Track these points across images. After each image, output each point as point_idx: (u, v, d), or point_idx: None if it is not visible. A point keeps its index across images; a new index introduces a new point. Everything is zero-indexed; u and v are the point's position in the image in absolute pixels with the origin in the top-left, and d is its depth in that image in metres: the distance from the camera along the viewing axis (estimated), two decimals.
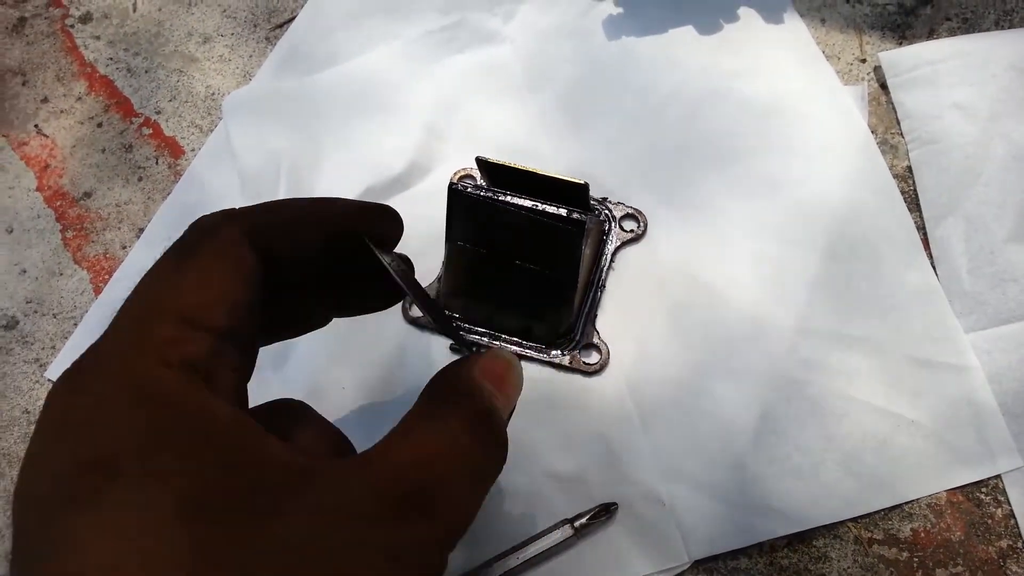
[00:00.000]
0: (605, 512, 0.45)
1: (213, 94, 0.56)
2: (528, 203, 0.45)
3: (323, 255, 0.31)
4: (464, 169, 0.53)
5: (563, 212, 0.44)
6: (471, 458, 0.28)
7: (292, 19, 0.58)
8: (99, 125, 0.56)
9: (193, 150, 0.55)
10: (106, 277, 0.52)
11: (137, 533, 0.21)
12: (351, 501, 0.24)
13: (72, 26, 0.59)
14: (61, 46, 0.59)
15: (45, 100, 0.57)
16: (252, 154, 0.52)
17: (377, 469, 0.26)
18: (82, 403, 0.24)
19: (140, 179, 0.54)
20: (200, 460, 0.23)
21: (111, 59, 0.58)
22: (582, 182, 0.45)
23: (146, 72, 0.57)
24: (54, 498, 0.22)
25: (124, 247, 0.53)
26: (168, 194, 0.54)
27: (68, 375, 0.25)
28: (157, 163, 0.55)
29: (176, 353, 0.25)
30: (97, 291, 0.52)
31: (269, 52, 0.57)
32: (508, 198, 0.45)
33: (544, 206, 0.45)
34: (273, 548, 0.22)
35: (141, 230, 0.53)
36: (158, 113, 0.56)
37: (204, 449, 0.23)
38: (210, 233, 0.28)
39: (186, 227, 0.29)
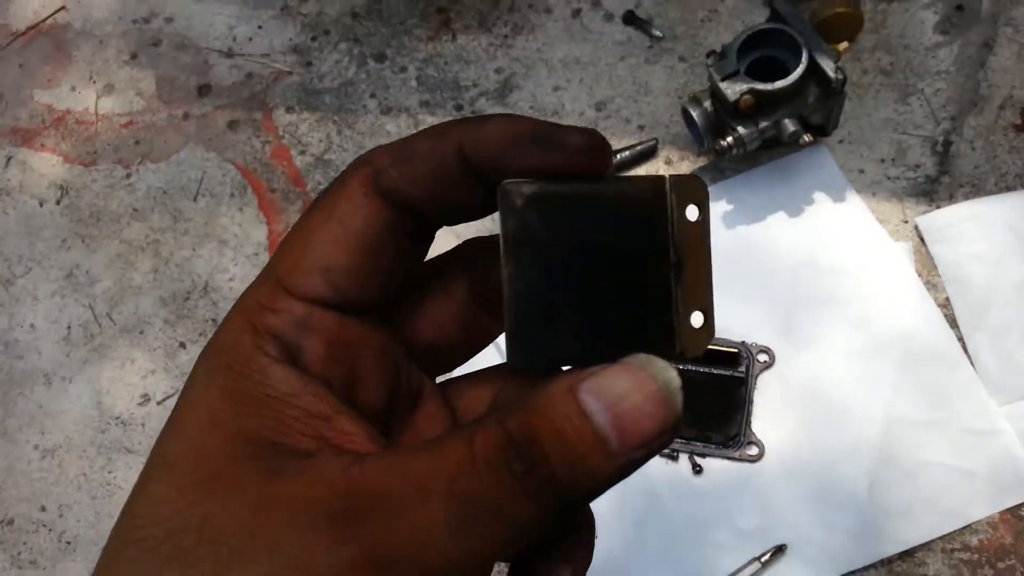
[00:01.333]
0: (779, 551, 0.72)
1: None
2: (705, 369, 0.72)
3: (486, 200, 0.25)
4: None
5: (729, 372, 0.72)
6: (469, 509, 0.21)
7: None
8: None
9: None
10: None
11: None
12: (307, 500, 0.22)
13: None
14: None
15: None
16: None
17: (347, 475, 0.22)
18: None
19: None
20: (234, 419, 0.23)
21: None
22: (735, 349, 0.72)
23: None
24: None
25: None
26: None
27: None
28: None
29: (261, 322, 0.24)
30: None
31: None
32: (693, 367, 0.73)
33: (716, 370, 0.72)
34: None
35: None
36: None
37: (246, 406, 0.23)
38: (339, 181, 0.25)
39: None
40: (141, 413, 0.87)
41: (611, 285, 0.24)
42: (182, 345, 0.88)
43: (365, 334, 0.26)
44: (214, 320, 0.88)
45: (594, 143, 0.24)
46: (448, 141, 0.24)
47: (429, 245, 0.27)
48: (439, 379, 0.29)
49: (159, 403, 0.87)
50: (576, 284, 0.23)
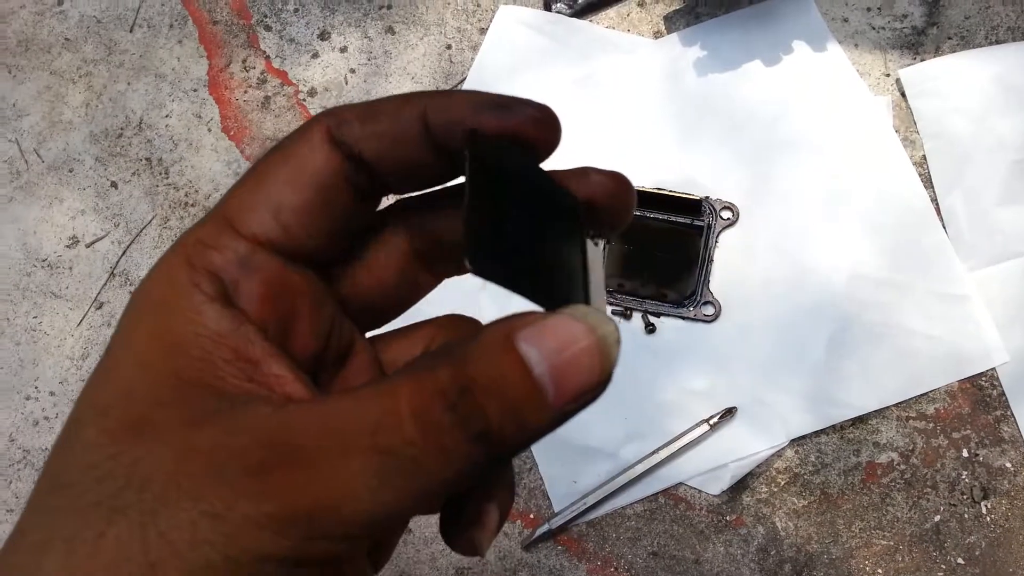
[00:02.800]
0: (728, 413, 0.69)
1: None
2: (665, 216, 0.68)
3: (439, 169, 0.26)
4: None
5: (688, 220, 0.67)
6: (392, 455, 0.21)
7: (463, 80, 0.80)
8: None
9: None
10: None
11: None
12: (227, 450, 0.21)
13: (304, 99, 0.82)
14: (300, 116, 0.82)
15: None
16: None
17: (268, 423, 0.22)
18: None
19: None
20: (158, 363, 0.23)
21: None
22: (697, 197, 0.67)
23: None
24: None
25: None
26: None
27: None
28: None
29: (200, 258, 0.24)
30: None
31: None
32: (652, 214, 0.68)
33: (676, 217, 0.67)
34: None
35: None
36: None
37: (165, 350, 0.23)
38: (300, 129, 0.25)
39: None
40: (69, 256, 0.82)
41: (548, 247, 0.24)
42: (114, 185, 0.83)
43: (304, 283, 0.26)
44: (147, 159, 0.83)
45: (545, 116, 0.26)
46: (413, 106, 0.25)
47: (376, 207, 0.27)
48: (369, 334, 0.29)
49: (88, 246, 0.82)
50: (524, 228, 0.24)
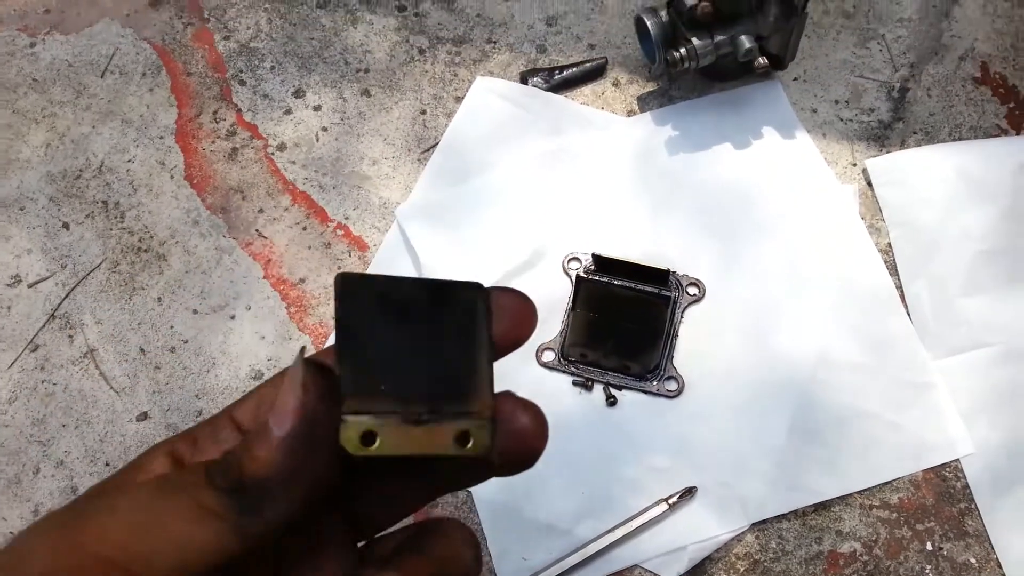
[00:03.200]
0: (688, 493, 0.66)
1: (384, 203, 0.78)
2: (631, 284, 0.67)
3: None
4: (571, 253, 0.74)
5: (656, 290, 0.66)
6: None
7: (435, 144, 0.79)
8: (304, 228, 0.78)
9: (375, 246, 0.76)
10: (323, 341, 0.74)
11: None
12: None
13: (272, 153, 0.81)
14: (266, 169, 0.80)
15: (261, 211, 0.79)
16: (428, 251, 0.73)
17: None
18: None
19: (339, 267, 0.76)
20: None
21: (306, 178, 0.80)
22: (665, 268, 0.66)
23: (333, 187, 0.79)
24: None
25: (333, 318, 0.74)
26: None
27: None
28: (350, 255, 0.76)
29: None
30: (318, 349, 0.74)
31: (422, 170, 0.79)
32: (618, 281, 0.67)
33: (643, 286, 0.66)
34: None
35: None
36: (346, 218, 0.77)
37: None
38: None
39: None
40: (9, 295, 0.78)
41: (425, 350, 0.26)
42: (65, 226, 0.80)
43: None
44: (104, 202, 0.80)
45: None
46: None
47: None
48: None
49: (30, 286, 0.78)
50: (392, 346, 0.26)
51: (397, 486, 0.29)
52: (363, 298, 0.26)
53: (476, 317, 0.27)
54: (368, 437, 0.24)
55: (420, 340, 0.26)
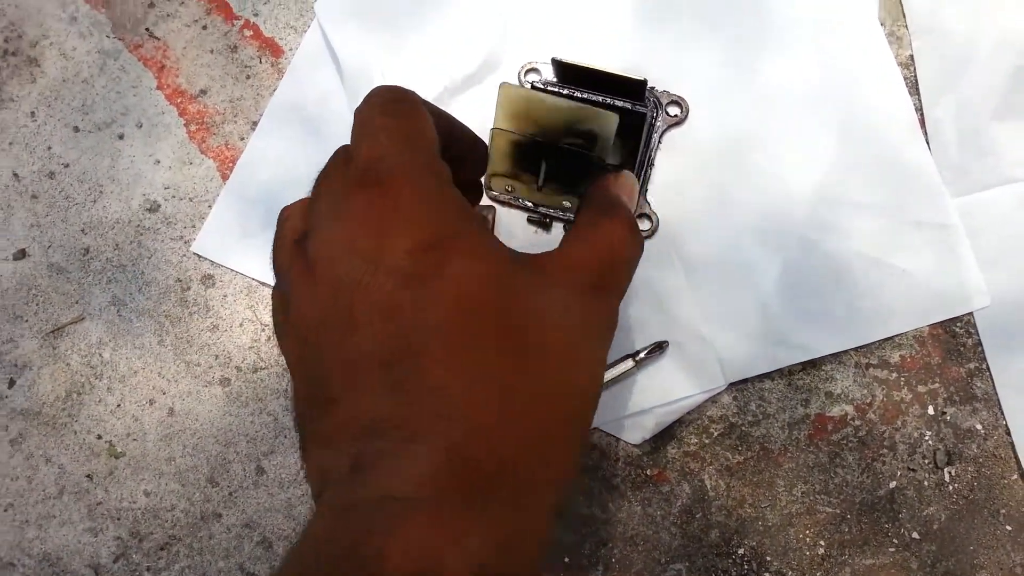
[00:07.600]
0: (658, 348, 0.57)
1: None
2: (599, 97, 0.54)
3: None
4: (530, 63, 0.61)
5: (629, 105, 0.54)
6: (631, 252, 0.38)
7: None
8: (204, 28, 0.63)
9: (291, 50, 0.63)
10: (230, 165, 0.61)
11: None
12: (564, 280, 0.35)
13: None
14: None
15: (151, 4, 0.64)
16: (351, 53, 0.60)
17: (575, 260, 0.36)
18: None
19: (248, 77, 0.62)
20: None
21: None
22: (641, 78, 0.54)
23: None
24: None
25: (242, 138, 0.62)
26: (274, 91, 0.62)
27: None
28: (260, 61, 0.63)
29: (439, 169, 0.34)
30: (224, 177, 0.61)
31: None
32: (585, 95, 0.54)
33: (618, 101, 0.54)
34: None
35: (254, 123, 0.62)
36: (256, 15, 0.63)
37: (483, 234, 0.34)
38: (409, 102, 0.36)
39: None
40: None
41: None
42: None
43: None
44: None
45: None
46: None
47: None
48: None
49: None
50: None
51: None
52: None
53: None
54: None
55: None
